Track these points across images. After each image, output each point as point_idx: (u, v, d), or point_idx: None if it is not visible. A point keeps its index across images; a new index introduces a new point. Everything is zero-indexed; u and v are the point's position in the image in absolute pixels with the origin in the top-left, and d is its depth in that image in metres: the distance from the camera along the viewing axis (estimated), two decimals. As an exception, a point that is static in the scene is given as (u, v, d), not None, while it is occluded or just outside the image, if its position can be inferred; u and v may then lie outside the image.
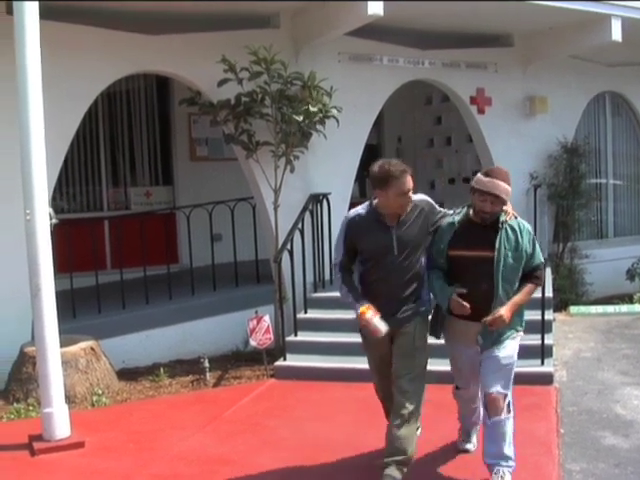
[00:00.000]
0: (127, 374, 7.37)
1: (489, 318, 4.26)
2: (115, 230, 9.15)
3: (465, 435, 4.97)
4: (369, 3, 7.19)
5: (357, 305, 4.38)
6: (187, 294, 8.35)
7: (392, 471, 4.23)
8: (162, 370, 7.34)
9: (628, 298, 9.96)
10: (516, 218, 4.45)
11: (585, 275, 10.08)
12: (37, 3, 5.23)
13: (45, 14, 5.42)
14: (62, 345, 5.61)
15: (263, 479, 4.82)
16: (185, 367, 7.63)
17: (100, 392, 6.63)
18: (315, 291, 8.27)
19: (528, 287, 4.44)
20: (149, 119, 10.53)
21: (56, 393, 5.42)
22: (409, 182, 4.28)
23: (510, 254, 4.32)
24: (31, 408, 6.27)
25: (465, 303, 4.27)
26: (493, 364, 4.37)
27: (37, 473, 5.05)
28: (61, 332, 5.53)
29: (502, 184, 4.28)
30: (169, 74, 8.46)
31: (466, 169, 11.47)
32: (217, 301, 8.36)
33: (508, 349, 4.41)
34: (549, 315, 7.31)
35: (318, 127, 7.92)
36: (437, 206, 4.58)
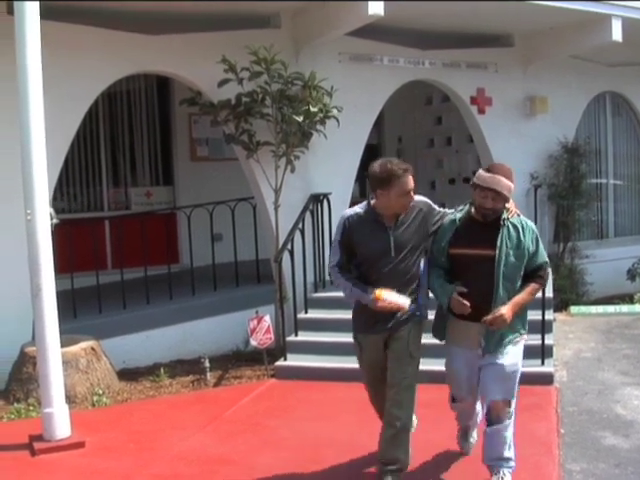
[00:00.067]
0: (128, 374, 7.37)
1: (489, 317, 4.16)
2: (116, 230, 9.15)
3: (464, 433, 4.89)
4: (369, 3, 7.20)
5: (367, 295, 4.26)
6: (188, 294, 8.35)
7: None
8: (163, 370, 7.34)
9: (628, 298, 9.96)
10: (519, 216, 4.35)
11: (585, 275, 10.08)
12: (38, 3, 5.23)
13: (46, 14, 5.42)
14: (63, 345, 5.62)
15: (263, 479, 4.82)
16: (186, 367, 7.63)
17: (100, 392, 6.64)
18: (316, 291, 8.27)
19: (531, 287, 4.32)
20: (150, 119, 10.54)
21: (56, 393, 5.42)
22: (411, 181, 4.21)
23: (512, 252, 4.22)
24: (31, 408, 6.27)
25: (465, 301, 4.18)
26: (497, 373, 4.27)
27: (37, 473, 5.05)
28: (62, 332, 5.53)
29: (503, 180, 4.18)
30: (169, 74, 8.46)
31: (466, 169, 11.47)
32: (218, 301, 8.36)
33: (512, 356, 4.30)
34: (549, 315, 7.31)
35: (318, 127, 7.93)
36: (436, 207, 4.49)
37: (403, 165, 4.21)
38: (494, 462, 4.36)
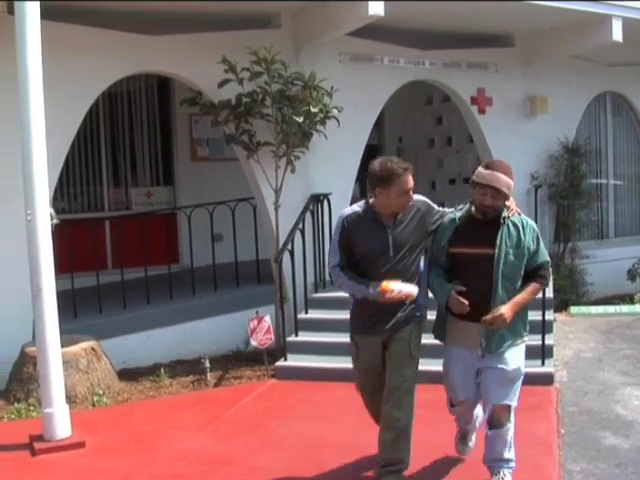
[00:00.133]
0: (128, 374, 7.37)
1: (489, 317, 4.08)
2: (116, 230, 9.15)
3: (462, 436, 4.78)
4: (370, 3, 7.20)
5: (373, 289, 4.19)
6: (188, 294, 8.35)
7: None
8: (163, 370, 7.35)
9: (629, 298, 9.96)
10: (520, 215, 4.28)
11: (586, 275, 10.08)
12: (38, 3, 5.23)
13: (46, 14, 5.43)
14: (63, 345, 5.62)
15: (263, 479, 4.82)
16: (186, 367, 7.63)
17: (101, 392, 6.64)
18: (316, 291, 8.27)
19: (532, 286, 4.24)
20: (150, 119, 10.54)
21: (57, 393, 5.42)
22: (411, 181, 4.18)
23: (511, 251, 4.15)
24: (32, 408, 6.27)
25: (464, 300, 4.11)
26: (499, 377, 4.21)
27: (38, 473, 5.06)
28: (62, 332, 5.53)
29: (503, 177, 4.13)
30: (170, 74, 8.46)
31: (467, 169, 11.47)
32: (218, 301, 8.36)
33: (514, 360, 4.23)
34: (550, 315, 7.31)
35: (319, 127, 7.93)
36: (435, 206, 4.44)
37: (403, 164, 4.18)
38: (494, 463, 4.36)
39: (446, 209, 4.47)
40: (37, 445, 5.33)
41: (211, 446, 5.43)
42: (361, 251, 4.32)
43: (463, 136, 11.20)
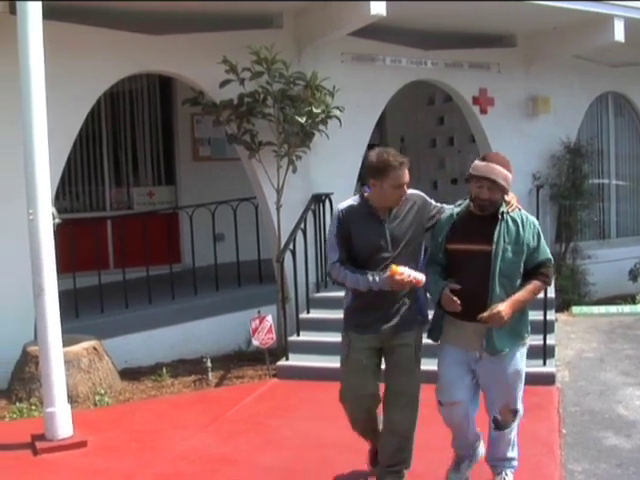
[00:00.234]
0: (130, 374, 7.38)
1: (485, 314, 3.90)
2: (118, 230, 9.15)
3: (456, 464, 4.45)
4: (372, 3, 7.20)
5: (379, 277, 4.04)
6: (190, 294, 8.36)
7: None
8: (165, 370, 7.35)
9: (630, 298, 9.96)
10: (520, 210, 4.15)
11: (587, 275, 10.08)
12: (40, 3, 5.24)
13: (48, 14, 5.44)
14: (65, 345, 5.62)
15: (265, 478, 4.83)
16: (188, 367, 7.63)
17: (102, 392, 6.64)
18: (317, 291, 8.27)
19: (532, 284, 4.07)
20: (152, 119, 10.55)
21: (58, 393, 5.43)
22: (406, 175, 4.07)
23: (509, 248, 4.00)
24: (34, 407, 6.27)
25: (455, 298, 3.94)
26: (500, 381, 4.12)
27: (39, 472, 5.06)
28: (64, 332, 5.53)
29: (499, 168, 4.01)
30: (172, 74, 8.47)
31: (468, 169, 11.46)
32: (220, 301, 8.37)
33: (515, 363, 4.11)
34: (551, 315, 7.31)
35: (320, 127, 7.92)
36: (432, 201, 4.33)
37: (400, 157, 4.08)
38: (497, 462, 4.35)
39: (444, 205, 4.34)
40: (39, 444, 5.33)
41: (213, 445, 5.43)
42: (359, 245, 4.18)
43: (465, 136, 11.19)
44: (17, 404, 6.40)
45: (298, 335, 7.54)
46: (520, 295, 4.03)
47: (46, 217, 5.34)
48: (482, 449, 4.43)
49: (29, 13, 5.17)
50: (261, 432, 5.68)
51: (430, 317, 4.34)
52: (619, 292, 10.22)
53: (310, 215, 8.22)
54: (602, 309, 9.53)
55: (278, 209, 7.96)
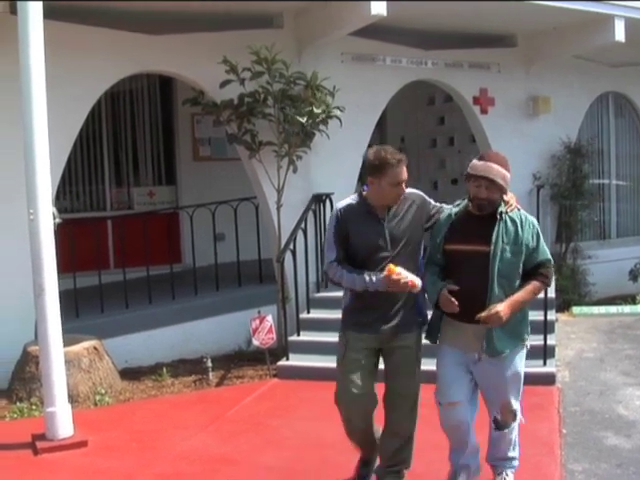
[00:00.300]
0: (130, 374, 7.38)
1: (484, 314, 3.86)
2: (118, 230, 9.15)
3: (452, 477, 4.33)
4: (372, 3, 7.20)
5: (376, 277, 3.98)
6: (190, 294, 8.36)
7: None
8: (165, 370, 7.35)
9: (631, 299, 9.96)
10: (519, 210, 4.10)
11: (588, 276, 10.08)
12: (41, 3, 5.24)
13: (49, 14, 5.44)
14: (65, 344, 5.62)
15: (265, 478, 4.83)
16: (188, 367, 7.64)
17: (103, 391, 6.64)
18: (318, 291, 8.28)
19: (532, 285, 4.02)
20: (152, 119, 10.56)
21: (59, 392, 5.43)
22: (404, 172, 4.02)
23: (508, 248, 3.95)
24: (34, 407, 6.28)
25: (453, 299, 3.90)
26: (499, 383, 4.10)
27: (40, 472, 5.06)
28: (64, 331, 5.54)
29: (496, 167, 3.96)
30: (172, 74, 8.47)
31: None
32: (220, 301, 8.37)
33: (515, 365, 4.09)
34: (552, 315, 7.31)
35: (321, 127, 7.93)
36: (432, 201, 4.28)
37: (398, 155, 4.03)
38: (498, 462, 4.34)
39: (444, 205, 4.30)
40: (39, 444, 5.34)
41: (213, 445, 5.43)
42: (357, 245, 4.12)
43: (465, 136, 11.19)
44: (17, 404, 6.40)
45: (298, 335, 7.54)
46: (519, 295, 3.99)
47: (46, 217, 5.35)
48: (479, 462, 4.35)
49: (30, 13, 5.17)
50: (261, 432, 5.68)
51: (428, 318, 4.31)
52: (619, 292, 10.22)
53: (310, 215, 8.22)
54: (602, 309, 9.53)
55: (278, 209, 7.96)
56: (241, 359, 7.85)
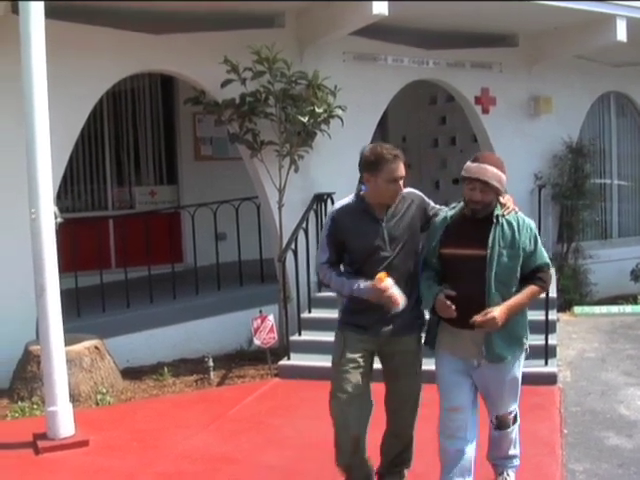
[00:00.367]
0: (131, 373, 7.38)
1: (479, 318, 3.75)
2: (120, 229, 9.17)
3: None
4: (374, 3, 7.20)
5: (363, 284, 3.90)
6: (191, 293, 8.36)
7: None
8: (166, 369, 7.36)
9: (632, 299, 9.95)
10: (517, 213, 3.97)
11: (589, 275, 10.08)
12: (42, 3, 5.24)
13: (50, 14, 5.43)
14: (66, 344, 5.63)
15: (267, 478, 4.83)
16: (189, 366, 7.64)
17: (104, 391, 6.65)
18: (319, 290, 8.26)
19: (529, 289, 3.92)
20: (154, 118, 10.55)
21: (60, 392, 5.43)
22: (401, 169, 3.91)
23: (505, 252, 3.84)
24: (35, 407, 6.28)
25: (449, 303, 3.80)
26: (499, 388, 4.04)
27: (41, 471, 5.07)
28: (65, 331, 5.54)
29: (491, 169, 3.83)
30: (174, 73, 8.47)
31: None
32: (221, 300, 8.37)
33: (514, 369, 4.03)
34: (553, 315, 7.31)
35: (322, 127, 7.93)
36: (431, 202, 4.19)
37: (394, 151, 3.92)
38: (499, 461, 4.34)
39: (443, 207, 4.19)
40: (41, 443, 5.34)
41: (214, 445, 5.44)
42: (354, 246, 4.03)
43: (467, 136, 11.19)
44: (19, 403, 6.40)
45: (300, 335, 7.54)
46: (516, 300, 3.89)
47: (48, 216, 5.35)
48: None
49: (31, 13, 5.17)
50: (262, 431, 5.68)
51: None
52: (621, 292, 10.21)
53: (312, 215, 8.22)
54: (604, 309, 9.52)
55: (280, 208, 7.96)
56: (242, 358, 7.85)
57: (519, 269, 3.92)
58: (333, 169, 8.60)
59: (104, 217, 9.80)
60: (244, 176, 8.64)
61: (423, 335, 4.19)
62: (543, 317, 6.67)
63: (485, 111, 9.86)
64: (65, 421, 5.43)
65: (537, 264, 3.97)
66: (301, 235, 7.78)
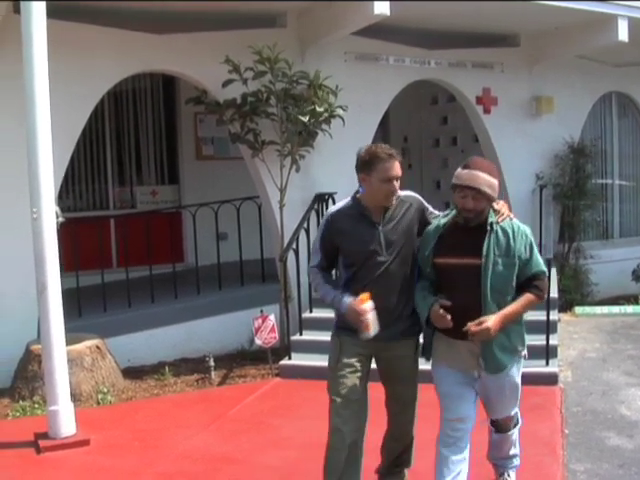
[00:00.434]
0: (132, 372, 7.39)
1: (473, 327, 3.65)
2: (121, 229, 9.18)
3: None
4: (375, 3, 7.20)
5: (346, 297, 3.86)
6: (192, 293, 8.37)
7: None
8: (167, 369, 7.36)
9: (634, 299, 9.94)
10: (511, 219, 3.87)
11: (590, 275, 10.07)
12: (44, 3, 5.25)
13: (52, 13, 5.44)
14: (68, 343, 5.64)
15: (267, 478, 4.83)
16: (190, 366, 7.64)
17: (105, 390, 6.65)
18: (320, 290, 8.26)
19: (525, 298, 3.80)
20: (155, 118, 10.56)
21: (62, 391, 5.44)
22: (396, 168, 3.84)
23: (500, 260, 3.73)
24: (37, 406, 6.29)
25: (443, 312, 3.70)
26: (499, 395, 4.00)
27: (42, 470, 5.08)
28: (67, 330, 5.55)
29: (483, 175, 3.72)
30: (175, 73, 8.48)
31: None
32: (222, 300, 8.37)
33: (513, 377, 3.96)
34: (554, 315, 7.31)
35: (324, 126, 7.93)
36: (430, 206, 4.14)
37: (389, 150, 3.85)
38: (499, 461, 4.34)
39: (441, 213, 4.11)
40: (42, 443, 5.35)
41: (215, 444, 5.44)
42: (350, 249, 3.96)
43: (468, 136, 11.17)
44: (20, 402, 6.41)
45: (301, 334, 7.54)
46: (510, 309, 3.78)
47: (49, 216, 5.35)
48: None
49: (33, 12, 5.18)
50: (263, 431, 5.69)
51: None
52: (622, 292, 10.21)
53: (313, 214, 8.21)
54: (605, 309, 9.52)
55: (281, 208, 7.96)
56: (243, 358, 7.85)
57: (515, 277, 3.82)
58: (334, 169, 8.59)
59: (105, 217, 9.80)
60: (245, 176, 8.64)
61: (418, 337, 4.12)
62: (544, 317, 6.67)
63: (486, 111, 9.86)
64: (66, 420, 5.44)
65: (533, 272, 3.86)
66: (302, 235, 7.79)
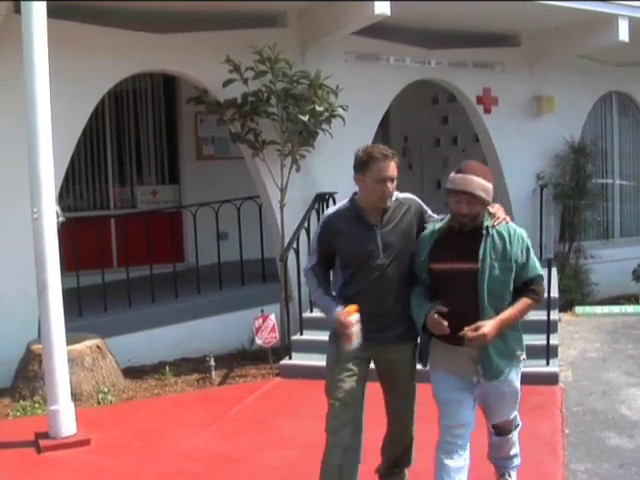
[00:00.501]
0: (133, 372, 7.39)
1: (470, 333, 3.61)
2: (122, 228, 9.19)
3: None
4: (376, 3, 7.20)
5: (336, 307, 3.87)
6: (193, 292, 8.37)
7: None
8: (168, 368, 7.37)
9: (634, 299, 9.93)
10: (507, 223, 3.82)
11: (591, 275, 10.07)
12: (45, 3, 5.25)
13: (52, 13, 5.44)
14: (68, 343, 5.64)
15: (267, 477, 4.84)
16: (191, 365, 7.65)
17: (106, 390, 6.66)
18: (320, 290, 8.26)
19: (522, 302, 3.76)
20: (156, 118, 10.56)
21: (62, 391, 5.44)
22: (391, 169, 3.79)
23: (497, 265, 3.69)
24: (37, 405, 6.29)
25: (443, 320, 3.65)
26: (498, 403, 3.98)
27: (43, 470, 5.08)
28: (67, 330, 5.55)
29: (477, 179, 3.66)
30: (176, 73, 8.48)
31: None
32: (223, 300, 8.38)
33: (512, 383, 3.92)
34: (554, 315, 7.31)
35: (324, 126, 7.93)
36: (429, 210, 4.06)
37: (385, 150, 3.81)
38: (500, 461, 4.33)
39: (438, 217, 4.04)
40: (42, 442, 5.35)
41: (215, 444, 5.44)
42: (347, 252, 3.94)
43: (469, 135, 11.18)
44: (21, 402, 6.42)
45: (301, 334, 7.54)
46: (507, 314, 3.74)
47: (50, 216, 5.36)
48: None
49: (33, 12, 5.18)
50: (264, 431, 5.69)
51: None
52: (622, 292, 10.20)
53: (314, 214, 8.20)
54: (605, 309, 9.52)
55: (282, 208, 7.96)
56: (244, 358, 7.85)
57: (512, 282, 3.78)
58: (335, 169, 8.58)
59: (106, 216, 9.80)
60: (246, 176, 8.64)
61: (415, 341, 4.08)
62: (545, 317, 6.67)
63: (487, 111, 9.85)
64: (67, 420, 5.45)
65: (529, 276, 3.82)
66: (303, 234, 7.78)
